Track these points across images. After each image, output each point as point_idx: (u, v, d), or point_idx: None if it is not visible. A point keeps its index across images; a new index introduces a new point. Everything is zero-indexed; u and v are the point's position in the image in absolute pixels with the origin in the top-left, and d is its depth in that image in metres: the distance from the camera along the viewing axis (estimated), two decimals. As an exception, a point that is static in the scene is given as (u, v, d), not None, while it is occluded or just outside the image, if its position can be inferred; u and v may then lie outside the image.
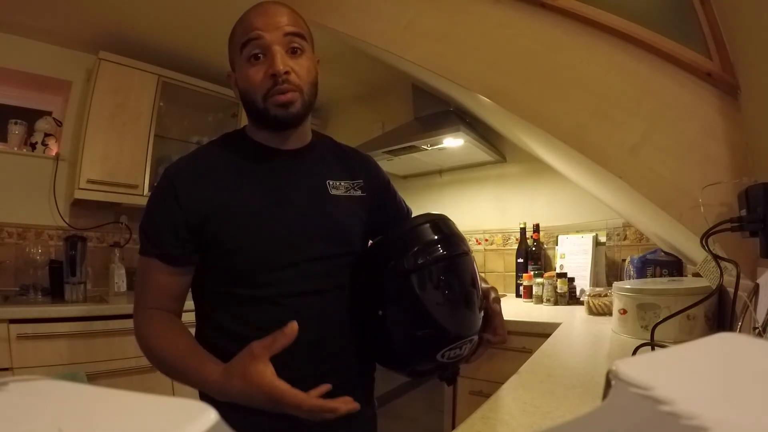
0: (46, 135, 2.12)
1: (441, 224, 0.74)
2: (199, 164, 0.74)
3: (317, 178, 0.78)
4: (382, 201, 0.88)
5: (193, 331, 0.74)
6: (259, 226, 0.70)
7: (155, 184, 0.76)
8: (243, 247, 0.69)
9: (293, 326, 0.58)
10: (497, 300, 0.78)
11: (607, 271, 1.89)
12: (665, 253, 1.52)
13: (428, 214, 0.75)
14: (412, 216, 0.92)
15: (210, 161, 0.74)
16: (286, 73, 0.68)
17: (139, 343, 0.70)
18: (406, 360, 0.72)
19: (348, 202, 0.79)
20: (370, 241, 0.82)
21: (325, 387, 0.60)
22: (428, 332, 0.68)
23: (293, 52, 0.71)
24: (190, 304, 0.75)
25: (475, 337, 0.71)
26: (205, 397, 0.66)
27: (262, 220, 0.70)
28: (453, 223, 0.76)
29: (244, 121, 0.80)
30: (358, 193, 0.82)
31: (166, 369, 0.67)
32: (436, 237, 0.71)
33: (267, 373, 0.57)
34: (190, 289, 0.76)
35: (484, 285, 0.77)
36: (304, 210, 0.73)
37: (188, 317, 0.73)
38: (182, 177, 0.71)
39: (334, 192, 0.78)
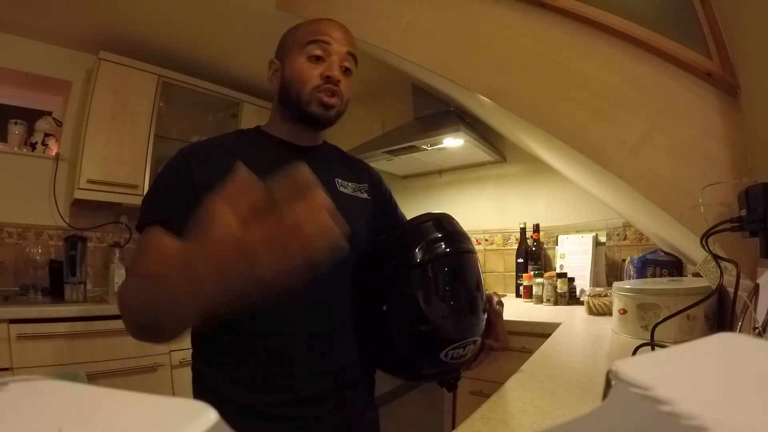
0: (46, 135, 2.12)
1: (444, 222, 0.74)
2: (214, 145, 0.76)
3: (326, 175, 0.79)
4: (385, 210, 0.89)
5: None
6: None
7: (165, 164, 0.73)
8: None
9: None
10: (500, 303, 0.79)
11: (607, 271, 1.89)
12: (665, 253, 1.52)
13: (431, 213, 0.75)
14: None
15: (224, 145, 0.76)
16: (338, 81, 0.74)
17: (119, 305, 0.57)
18: (410, 360, 0.72)
19: (354, 201, 0.80)
20: None
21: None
22: (432, 328, 0.67)
23: (346, 70, 0.77)
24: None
25: (479, 339, 0.71)
26: (204, 397, 0.65)
27: None
28: (456, 221, 0.75)
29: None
30: (364, 195, 0.83)
31: (134, 305, 0.54)
32: (439, 234, 0.71)
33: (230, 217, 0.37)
34: None
35: (486, 291, 0.77)
36: None
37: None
38: (196, 153, 0.72)
39: (341, 189, 0.79)
